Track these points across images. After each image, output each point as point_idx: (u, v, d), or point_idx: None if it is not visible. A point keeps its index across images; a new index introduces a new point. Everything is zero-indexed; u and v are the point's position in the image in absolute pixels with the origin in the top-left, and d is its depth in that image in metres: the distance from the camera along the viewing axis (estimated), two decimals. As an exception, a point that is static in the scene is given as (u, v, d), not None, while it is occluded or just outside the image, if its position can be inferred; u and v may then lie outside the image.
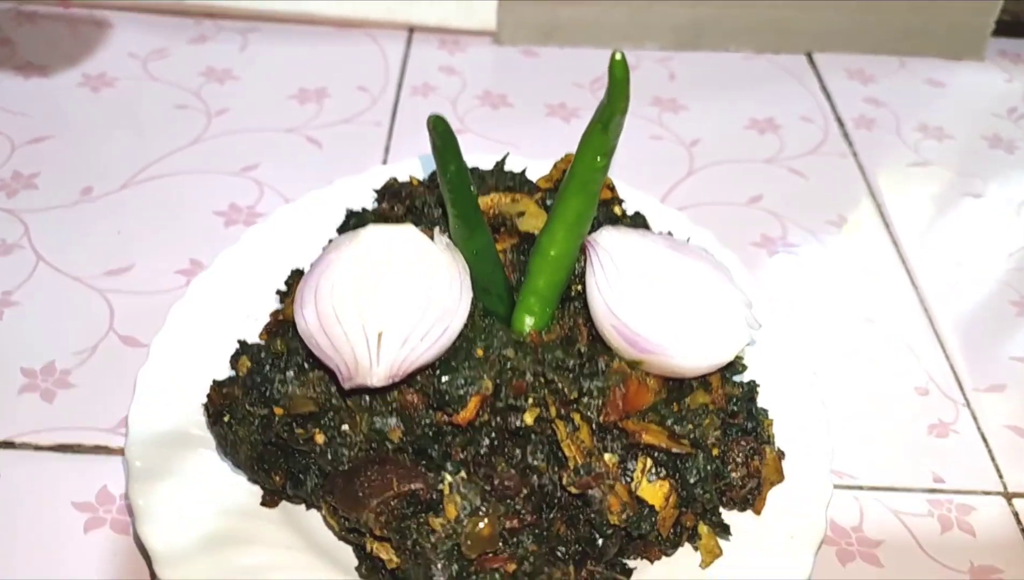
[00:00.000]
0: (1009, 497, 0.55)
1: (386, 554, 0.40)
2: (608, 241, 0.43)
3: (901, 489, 0.55)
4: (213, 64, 0.82)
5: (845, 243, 0.71)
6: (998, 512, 0.54)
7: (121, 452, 0.51)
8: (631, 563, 0.43)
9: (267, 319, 0.47)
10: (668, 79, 0.87)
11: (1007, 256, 0.72)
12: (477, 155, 0.58)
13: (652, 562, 0.43)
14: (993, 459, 0.57)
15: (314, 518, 0.45)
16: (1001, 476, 0.56)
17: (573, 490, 0.39)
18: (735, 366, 0.45)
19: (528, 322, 0.43)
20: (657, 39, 0.89)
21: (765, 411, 0.48)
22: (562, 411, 0.40)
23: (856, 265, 0.70)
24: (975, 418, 0.59)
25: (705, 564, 0.43)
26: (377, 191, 0.51)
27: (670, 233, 0.47)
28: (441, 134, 0.38)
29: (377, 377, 0.38)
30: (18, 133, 0.73)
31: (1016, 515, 0.54)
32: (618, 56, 0.36)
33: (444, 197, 0.40)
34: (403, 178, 0.53)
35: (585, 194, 0.41)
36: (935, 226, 0.74)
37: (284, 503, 0.45)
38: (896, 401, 0.60)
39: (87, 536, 0.48)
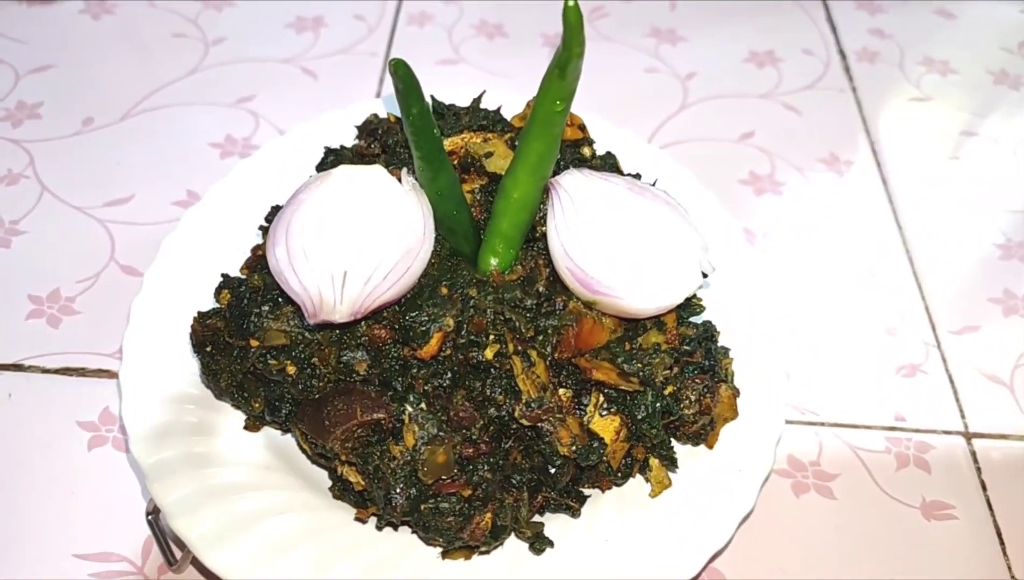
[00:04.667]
0: (969, 437, 0.57)
1: (354, 477, 0.43)
2: (570, 184, 0.44)
3: (861, 426, 0.57)
4: (211, -9, 0.83)
5: (833, 182, 0.72)
6: (956, 451, 0.56)
7: (120, 375, 0.54)
8: (586, 491, 0.46)
9: (251, 252, 0.49)
10: (669, 10, 0.85)
11: (996, 196, 0.72)
12: (467, 88, 0.60)
13: (603, 491, 0.46)
14: (958, 400, 0.59)
15: (293, 443, 0.48)
16: (964, 416, 0.58)
17: (525, 422, 0.41)
18: (692, 307, 0.47)
19: (492, 262, 0.44)
20: (660, -33, 0.87)
21: (725, 350, 0.50)
22: (519, 347, 0.42)
23: (841, 203, 0.70)
24: (944, 359, 0.61)
25: (655, 494, 0.46)
26: (358, 128, 0.53)
27: (637, 175, 0.48)
28: (403, 77, 0.39)
29: (340, 314, 0.40)
30: (22, 62, 0.75)
31: (973, 454, 0.56)
32: (571, 2, 0.37)
33: (408, 139, 0.42)
34: (386, 114, 0.54)
35: (546, 138, 0.42)
36: (927, 164, 0.74)
37: (266, 429, 0.48)
38: (866, 341, 0.61)
39: (91, 453, 0.52)
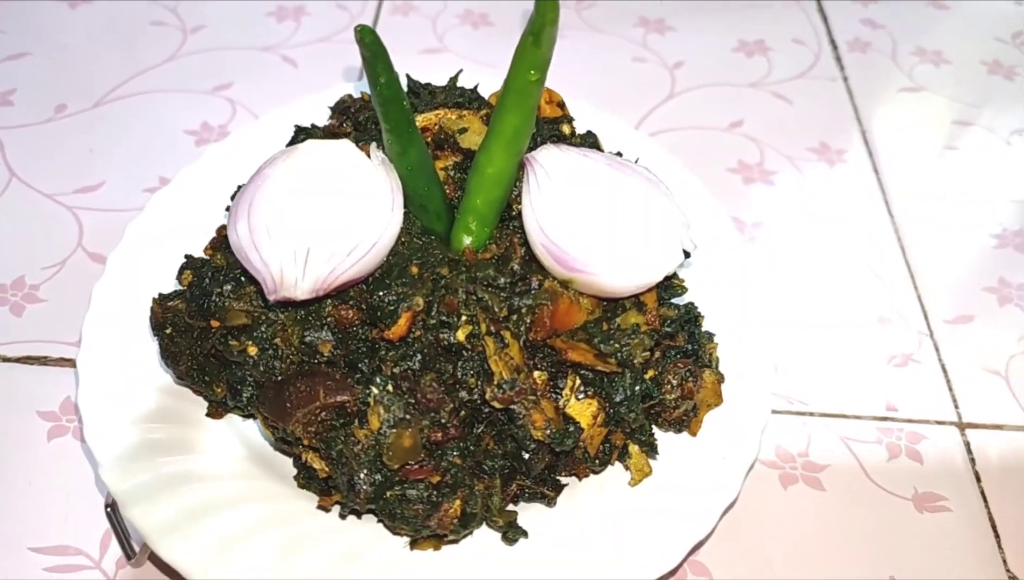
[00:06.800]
0: (963, 427, 0.55)
1: (318, 463, 0.41)
2: (547, 159, 0.42)
3: (851, 416, 0.55)
4: (191, -21, 0.81)
5: (823, 170, 0.70)
6: (949, 442, 0.54)
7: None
8: (563, 479, 0.44)
9: (216, 232, 0.47)
10: (657, -1, 0.84)
11: (991, 186, 0.70)
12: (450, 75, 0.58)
13: (580, 479, 0.44)
14: (951, 390, 0.57)
15: (256, 431, 0.46)
16: (957, 406, 0.56)
17: (496, 405, 0.39)
18: (674, 288, 0.45)
19: (465, 241, 0.43)
20: (648, -44, 0.86)
21: (710, 335, 0.48)
22: (492, 328, 0.40)
23: (832, 193, 0.68)
24: (937, 349, 0.59)
25: (635, 482, 0.44)
26: (331, 108, 0.51)
27: (618, 153, 0.47)
28: (369, 45, 0.37)
29: (301, 290, 0.38)
30: (-5, 49, 0.73)
31: (967, 445, 0.54)
32: (544, -35, 0.35)
33: (376, 111, 0.40)
34: (360, 94, 0.53)
35: (521, 110, 0.40)
36: (919, 154, 0.72)
37: (230, 416, 0.46)
38: (857, 330, 0.59)
39: (50, 444, 0.50)
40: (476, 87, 0.50)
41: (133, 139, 0.67)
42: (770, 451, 0.52)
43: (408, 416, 0.38)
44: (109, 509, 0.44)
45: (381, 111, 0.40)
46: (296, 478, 0.43)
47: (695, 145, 0.71)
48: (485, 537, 0.42)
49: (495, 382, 0.39)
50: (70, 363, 0.53)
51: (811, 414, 0.55)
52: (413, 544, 0.41)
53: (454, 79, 0.51)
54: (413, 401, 0.39)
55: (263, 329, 0.41)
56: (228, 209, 0.50)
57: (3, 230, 0.61)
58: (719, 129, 0.72)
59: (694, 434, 0.46)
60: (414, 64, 0.75)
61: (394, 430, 0.38)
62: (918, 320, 0.61)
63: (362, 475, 0.38)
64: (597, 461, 0.43)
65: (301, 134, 0.49)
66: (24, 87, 0.70)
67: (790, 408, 0.55)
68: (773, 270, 0.62)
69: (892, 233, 0.66)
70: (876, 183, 0.69)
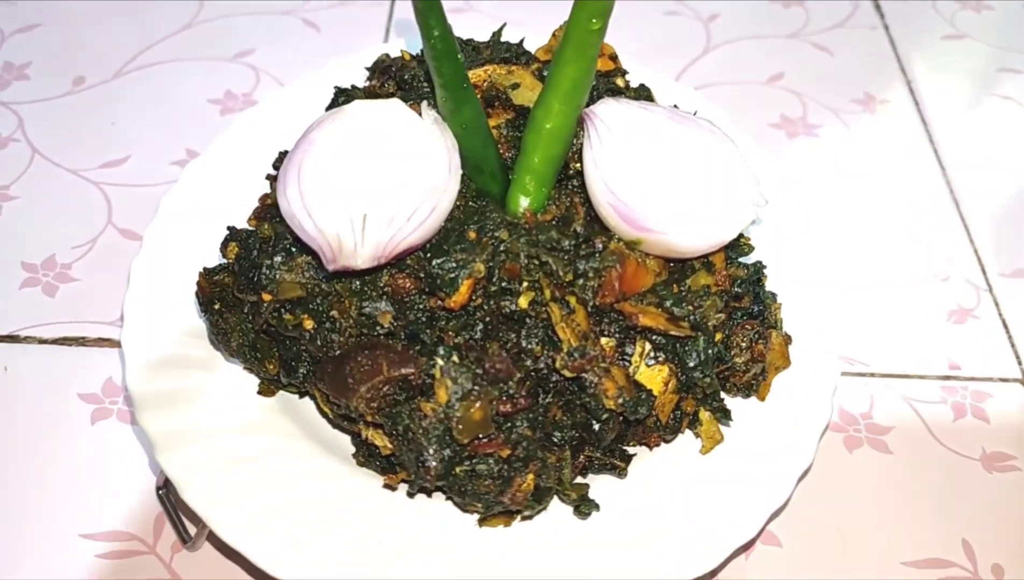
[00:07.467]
0: (1028, 383, 0.54)
1: (380, 441, 0.39)
2: (607, 113, 0.40)
3: (914, 376, 0.53)
4: (203, -57, 0.78)
5: (870, 123, 0.68)
6: (1015, 399, 0.53)
7: (123, 344, 0.51)
8: (631, 450, 0.43)
9: (259, 201, 0.45)
10: (687, -51, 0.81)
11: (1044, 134, 0.68)
12: (480, 34, 0.55)
13: (651, 448, 0.42)
14: (1013, 346, 0.55)
15: (311, 408, 0.44)
16: (1020, 362, 0.54)
17: (567, 373, 0.38)
18: (740, 247, 0.43)
19: (523, 202, 0.41)
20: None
21: (773, 295, 0.46)
22: (556, 294, 0.38)
23: (881, 146, 0.66)
24: (996, 303, 0.57)
25: (706, 450, 0.42)
26: (368, 69, 0.49)
27: (675, 106, 0.44)
28: (423, -4, 0.35)
29: (362, 258, 0.36)
30: (8, 22, 0.71)
31: (1033, 402, 0.53)
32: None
33: (429, 66, 0.38)
34: (397, 55, 0.50)
35: (581, 61, 0.38)
36: (967, 103, 0.69)
37: (282, 393, 0.45)
38: (913, 286, 0.58)
39: (94, 427, 0.48)
40: (522, 41, 0.48)
41: (156, 111, 0.65)
42: (832, 414, 0.51)
43: (477, 387, 0.37)
44: (161, 491, 0.43)
45: (434, 66, 0.38)
46: (355, 456, 0.42)
47: (734, 100, 0.68)
48: (555, 511, 0.40)
49: (565, 350, 0.37)
50: (109, 343, 0.52)
51: (872, 375, 0.53)
52: (482, 521, 0.39)
53: (497, 34, 0.48)
54: (480, 371, 0.37)
55: (319, 301, 0.39)
56: (267, 178, 0.48)
57: (30, 208, 0.59)
58: (759, 83, 0.70)
59: (763, 399, 0.44)
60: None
61: (463, 402, 0.36)
62: (975, 274, 0.59)
63: (431, 451, 0.36)
64: (668, 429, 0.41)
65: (342, 96, 0.47)
66: (39, 60, 0.68)
67: (850, 369, 0.53)
68: (822, 226, 0.60)
69: (944, 185, 0.64)
70: (924, 134, 0.67)
